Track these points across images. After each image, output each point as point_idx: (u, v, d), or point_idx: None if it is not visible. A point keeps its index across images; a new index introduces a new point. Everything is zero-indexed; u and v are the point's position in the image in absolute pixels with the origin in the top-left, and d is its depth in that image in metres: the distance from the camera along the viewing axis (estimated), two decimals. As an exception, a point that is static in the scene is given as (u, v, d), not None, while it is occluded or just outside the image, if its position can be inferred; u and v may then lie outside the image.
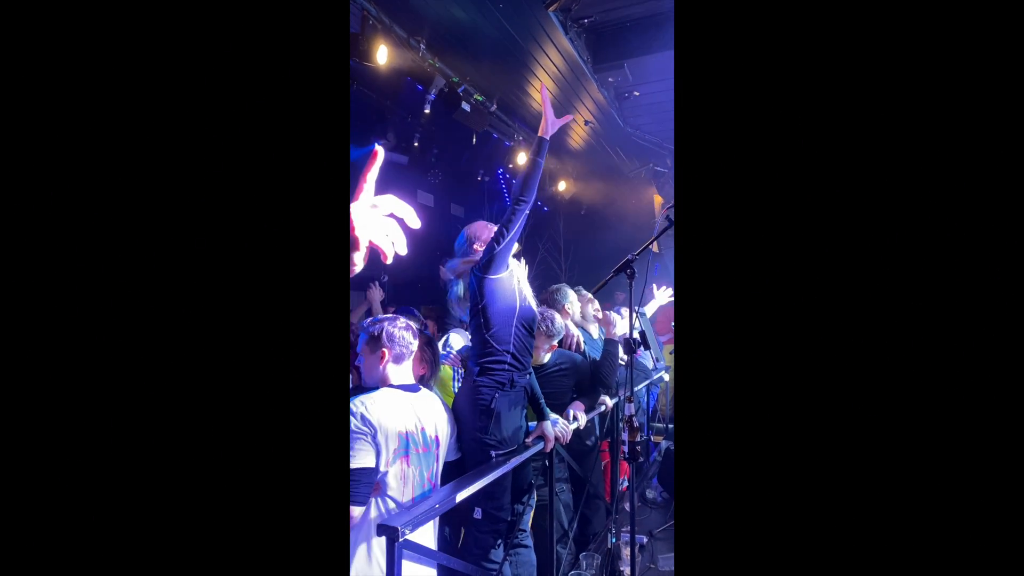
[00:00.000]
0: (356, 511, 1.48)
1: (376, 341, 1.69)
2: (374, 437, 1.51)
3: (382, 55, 3.79)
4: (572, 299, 3.14)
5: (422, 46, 4.19)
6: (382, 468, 1.53)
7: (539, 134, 1.97)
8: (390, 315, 1.80)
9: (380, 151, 0.65)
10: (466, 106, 4.60)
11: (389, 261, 0.67)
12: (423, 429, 1.68)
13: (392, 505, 1.56)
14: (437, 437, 1.74)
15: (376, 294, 3.13)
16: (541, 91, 2.00)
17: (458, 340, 2.50)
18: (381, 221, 0.65)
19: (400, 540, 1.31)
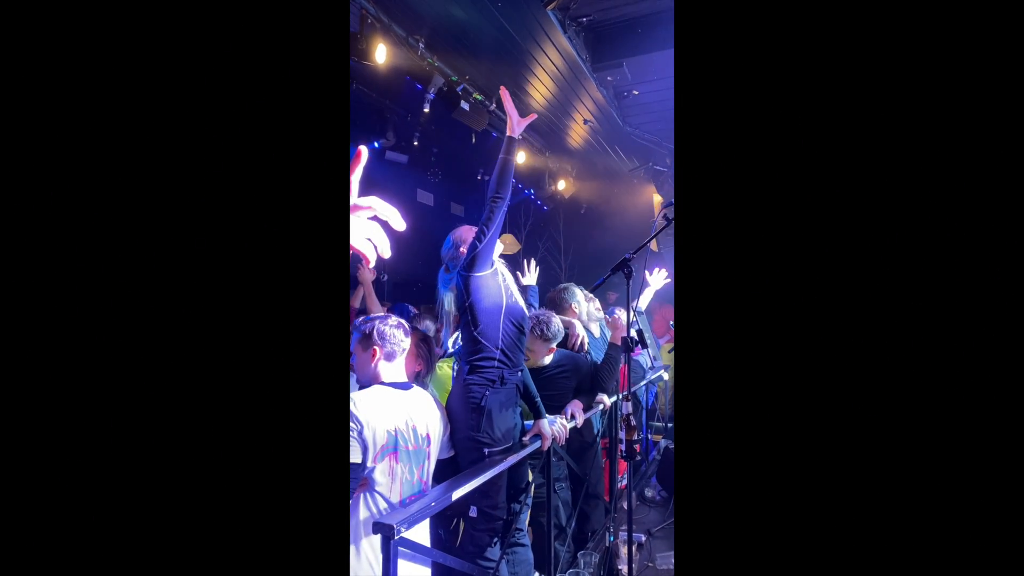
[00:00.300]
0: None
1: (368, 339, 1.71)
2: (360, 433, 1.53)
3: (381, 54, 3.79)
4: (580, 299, 3.14)
5: (421, 45, 4.19)
6: (368, 464, 1.54)
7: (507, 133, 2.02)
8: (382, 314, 1.81)
9: (364, 151, 0.63)
10: (465, 105, 4.60)
11: (372, 265, 0.66)
12: (414, 427, 1.68)
13: (383, 504, 1.56)
14: (428, 435, 1.74)
15: (367, 274, 3.05)
16: (502, 93, 2.03)
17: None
18: (363, 224, 0.63)
19: (396, 538, 1.31)
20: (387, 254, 0.64)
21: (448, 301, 2.11)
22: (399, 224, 0.65)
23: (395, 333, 1.72)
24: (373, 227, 0.63)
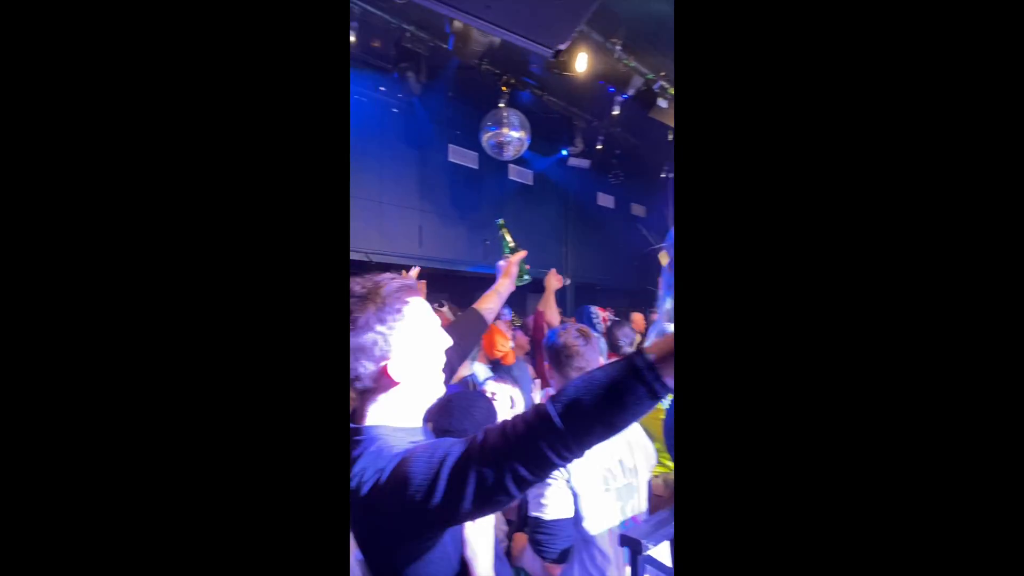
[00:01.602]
0: (556, 570, 1.30)
1: (558, 356, 1.53)
2: (568, 482, 1.32)
3: (581, 63, 3.85)
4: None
5: (618, 48, 4.16)
6: (583, 515, 1.34)
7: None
8: (562, 324, 1.65)
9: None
10: (663, 103, 4.42)
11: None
12: (620, 460, 1.49)
13: (597, 555, 1.37)
14: (635, 466, 1.55)
15: (554, 281, 2.34)
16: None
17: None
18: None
19: (643, 553, 1.29)
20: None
21: (671, 302, 1.99)
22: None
23: (576, 344, 1.51)
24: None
